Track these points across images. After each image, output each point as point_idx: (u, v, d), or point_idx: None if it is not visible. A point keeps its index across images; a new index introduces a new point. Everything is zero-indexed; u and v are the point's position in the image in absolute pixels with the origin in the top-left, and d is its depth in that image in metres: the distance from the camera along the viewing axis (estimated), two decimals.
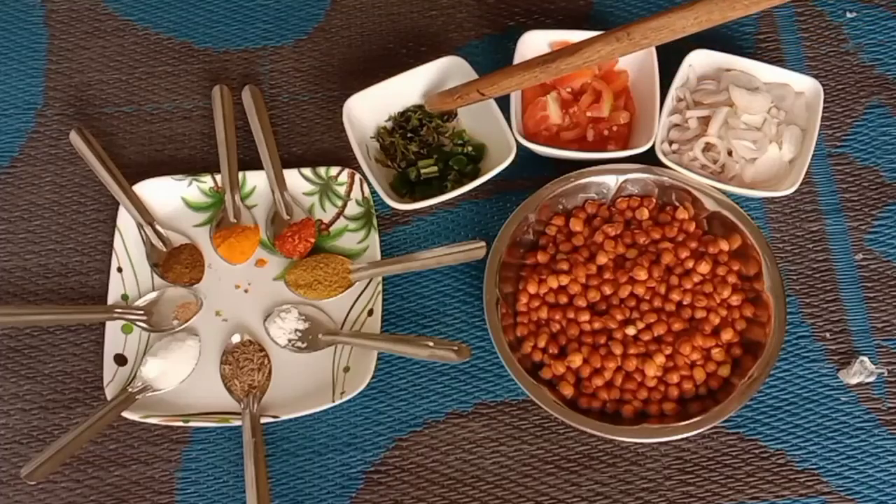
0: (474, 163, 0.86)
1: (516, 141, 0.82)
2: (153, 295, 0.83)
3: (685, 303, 0.78)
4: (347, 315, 0.82)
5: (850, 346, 0.80)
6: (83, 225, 0.88)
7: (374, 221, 0.85)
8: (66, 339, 0.83)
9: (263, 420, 0.77)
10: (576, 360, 0.75)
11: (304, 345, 0.81)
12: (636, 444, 0.77)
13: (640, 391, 0.75)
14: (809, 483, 0.76)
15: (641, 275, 0.78)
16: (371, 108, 0.87)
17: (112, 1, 0.98)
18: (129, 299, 0.83)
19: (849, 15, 0.93)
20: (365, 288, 0.83)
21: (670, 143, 0.84)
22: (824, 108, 0.85)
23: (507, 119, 0.83)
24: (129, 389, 0.78)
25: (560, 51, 0.54)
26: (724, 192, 0.81)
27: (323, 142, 0.90)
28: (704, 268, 0.78)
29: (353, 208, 0.86)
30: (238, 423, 0.77)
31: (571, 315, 0.78)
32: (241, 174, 0.87)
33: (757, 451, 0.77)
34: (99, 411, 0.76)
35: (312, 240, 0.84)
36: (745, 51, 0.91)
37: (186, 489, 0.78)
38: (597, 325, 0.77)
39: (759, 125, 0.84)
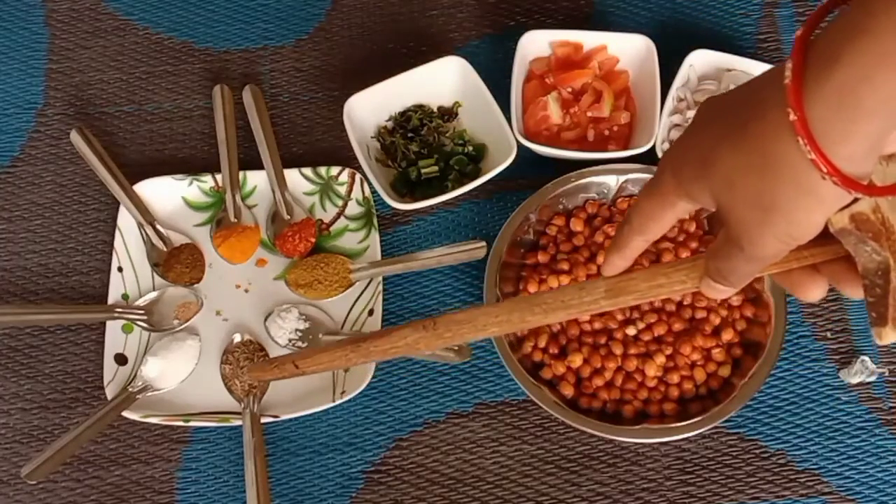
0: (475, 163, 0.86)
1: (517, 141, 0.82)
2: (153, 294, 0.83)
3: (685, 303, 0.78)
4: (348, 315, 0.82)
5: (851, 345, 0.80)
6: (84, 224, 0.88)
7: (375, 221, 0.85)
8: (67, 339, 0.83)
9: (263, 420, 0.77)
10: (576, 360, 0.75)
11: (305, 344, 0.81)
12: (636, 444, 0.77)
13: (641, 391, 0.75)
14: (810, 483, 0.76)
15: None
16: (372, 108, 0.87)
17: (112, 1, 0.98)
18: (129, 299, 0.83)
19: None
20: (365, 288, 0.83)
21: (671, 143, 0.84)
22: None
23: (508, 119, 0.83)
24: (130, 389, 0.78)
25: (372, 333, 0.58)
26: None
27: (323, 141, 0.90)
28: None
29: (353, 208, 0.86)
30: (238, 422, 0.77)
31: None
32: (241, 174, 0.87)
33: (757, 452, 0.77)
34: (99, 411, 0.76)
35: (313, 239, 0.84)
36: (746, 51, 0.91)
37: (187, 489, 0.78)
38: (597, 325, 0.77)
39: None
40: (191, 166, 0.89)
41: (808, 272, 0.48)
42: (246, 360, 0.80)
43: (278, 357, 0.60)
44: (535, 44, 0.88)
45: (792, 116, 0.38)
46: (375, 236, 0.84)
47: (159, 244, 0.85)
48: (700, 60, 0.86)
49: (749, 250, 0.44)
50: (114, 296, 0.83)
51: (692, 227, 0.81)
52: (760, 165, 0.40)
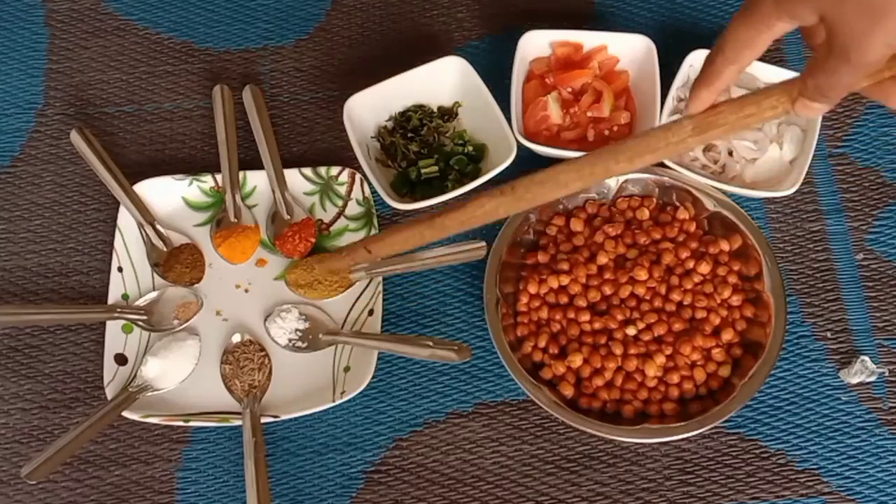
0: (475, 163, 0.86)
1: (517, 141, 0.82)
2: (153, 294, 0.83)
3: (685, 303, 0.78)
4: (348, 315, 0.82)
5: (851, 345, 0.80)
6: (84, 224, 0.88)
7: (375, 221, 0.85)
8: (67, 339, 0.83)
9: (263, 420, 0.77)
10: (576, 361, 0.75)
11: (305, 344, 0.81)
12: (636, 444, 0.77)
13: (641, 391, 0.75)
14: (810, 483, 0.76)
15: (642, 275, 0.78)
16: (371, 108, 0.87)
17: (113, 1, 0.98)
18: (129, 299, 0.83)
19: None
20: (365, 288, 0.83)
21: None
22: None
23: (508, 119, 0.83)
24: (130, 389, 0.78)
25: (445, 208, 0.56)
26: (724, 193, 0.81)
27: (323, 141, 0.90)
28: (705, 268, 0.78)
29: (353, 208, 0.86)
30: (238, 422, 0.77)
31: (572, 315, 0.78)
32: (241, 174, 0.87)
33: (757, 451, 0.77)
34: (99, 411, 0.76)
35: (313, 239, 0.84)
36: None
37: (187, 489, 0.78)
38: (597, 326, 0.77)
39: (759, 125, 0.83)
40: (191, 166, 0.89)
41: None
42: (246, 360, 0.80)
43: (348, 245, 0.57)
44: (535, 44, 0.88)
45: None
46: None
47: (159, 244, 0.85)
48: (700, 60, 0.86)
49: (856, 58, 0.46)
50: (114, 296, 0.83)
51: (692, 228, 0.81)
52: None
